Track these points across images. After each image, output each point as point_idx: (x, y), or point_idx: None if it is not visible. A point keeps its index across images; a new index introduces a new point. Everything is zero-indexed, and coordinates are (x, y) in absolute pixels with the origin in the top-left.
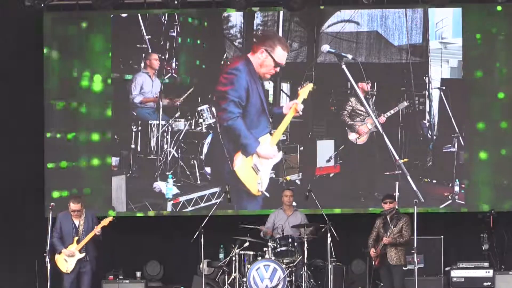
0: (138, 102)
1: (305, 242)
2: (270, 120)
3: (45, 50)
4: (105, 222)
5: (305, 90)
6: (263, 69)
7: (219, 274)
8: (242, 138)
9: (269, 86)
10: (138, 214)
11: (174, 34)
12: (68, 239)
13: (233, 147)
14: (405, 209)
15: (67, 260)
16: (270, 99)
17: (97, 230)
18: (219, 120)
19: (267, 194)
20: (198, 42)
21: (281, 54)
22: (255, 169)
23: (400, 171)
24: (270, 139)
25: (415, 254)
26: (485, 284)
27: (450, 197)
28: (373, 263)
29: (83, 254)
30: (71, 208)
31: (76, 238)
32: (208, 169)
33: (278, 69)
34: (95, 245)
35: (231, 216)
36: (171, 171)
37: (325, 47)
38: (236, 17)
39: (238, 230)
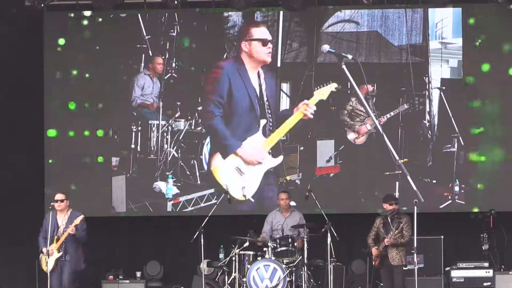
0: (136, 105)
1: (305, 242)
2: (266, 121)
3: (45, 50)
4: (76, 221)
5: (324, 91)
6: (257, 56)
7: (219, 274)
8: (221, 139)
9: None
10: (138, 214)
11: (174, 34)
12: (50, 238)
13: (212, 148)
14: (405, 209)
15: (47, 259)
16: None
17: (70, 229)
18: (203, 120)
19: (252, 200)
20: (198, 42)
21: (260, 32)
22: (238, 172)
23: (400, 171)
24: (263, 142)
25: (415, 254)
26: (485, 284)
27: (450, 197)
28: (373, 263)
29: (60, 254)
30: (54, 198)
31: (55, 237)
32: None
33: (270, 45)
34: (76, 245)
35: (231, 216)
36: (171, 171)
37: (325, 47)
38: (236, 17)
39: (238, 230)
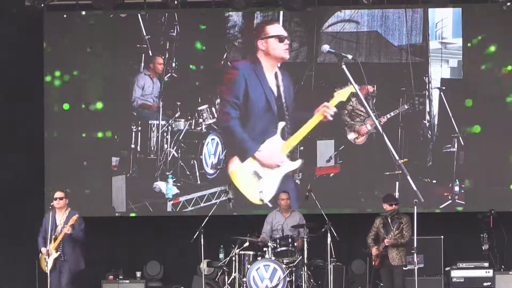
0: (137, 106)
1: (305, 242)
2: (284, 123)
3: (45, 50)
4: (72, 220)
5: (343, 93)
6: (274, 53)
7: (219, 274)
8: (238, 141)
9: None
10: (138, 214)
11: (174, 34)
12: (49, 237)
13: (229, 150)
14: (405, 209)
15: (46, 259)
16: None
17: (66, 228)
18: (219, 121)
19: (270, 205)
20: (198, 42)
21: (275, 29)
22: (256, 176)
23: (400, 171)
24: (281, 145)
25: (415, 254)
26: (485, 284)
27: (450, 197)
28: (373, 263)
29: (58, 253)
30: (53, 196)
31: (53, 237)
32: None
33: (286, 41)
34: (73, 244)
35: (231, 216)
36: (171, 171)
37: (325, 47)
38: (236, 17)
39: (238, 230)
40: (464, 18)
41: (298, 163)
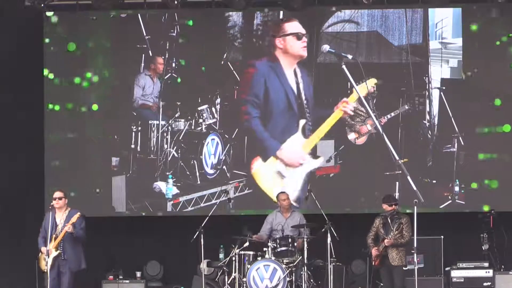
0: (137, 106)
1: (305, 242)
2: (305, 121)
3: (45, 50)
4: (73, 219)
5: (362, 88)
6: (293, 51)
7: (219, 274)
8: (259, 141)
9: None
10: (138, 214)
11: (174, 34)
12: (49, 237)
13: (251, 151)
14: (404, 209)
15: (46, 259)
16: None
17: (67, 227)
18: (238, 121)
19: (296, 205)
20: (198, 42)
21: (293, 26)
22: (279, 175)
23: (400, 171)
24: (303, 143)
25: (415, 254)
26: (485, 284)
27: (450, 197)
28: (373, 263)
29: (58, 252)
30: (53, 196)
31: (54, 236)
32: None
33: (304, 38)
34: (74, 244)
35: (231, 216)
36: (171, 171)
37: (325, 47)
38: (236, 17)
39: (237, 230)
40: (464, 18)
41: (320, 160)
